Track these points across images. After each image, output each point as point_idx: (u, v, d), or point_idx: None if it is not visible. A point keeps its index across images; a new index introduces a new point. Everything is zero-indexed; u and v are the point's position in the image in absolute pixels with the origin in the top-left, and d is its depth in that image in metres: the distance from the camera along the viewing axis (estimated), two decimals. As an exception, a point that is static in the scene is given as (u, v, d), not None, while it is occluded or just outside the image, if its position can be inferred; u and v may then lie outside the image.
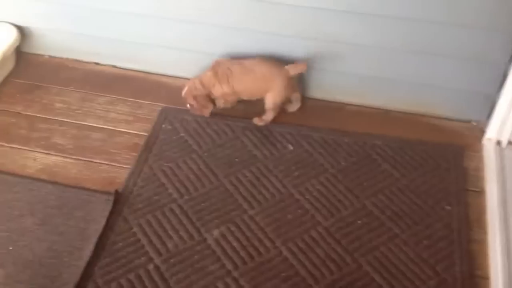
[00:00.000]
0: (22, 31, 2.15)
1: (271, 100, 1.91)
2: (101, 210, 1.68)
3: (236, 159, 1.84)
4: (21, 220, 1.64)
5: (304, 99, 2.04)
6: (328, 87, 2.05)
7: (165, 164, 1.82)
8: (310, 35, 1.89)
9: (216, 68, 1.92)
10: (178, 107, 2.01)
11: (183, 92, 1.94)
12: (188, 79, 1.98)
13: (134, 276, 1.51)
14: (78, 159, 1.84)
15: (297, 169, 1.81)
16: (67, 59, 2.21)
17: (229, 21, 1.93)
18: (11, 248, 1.58)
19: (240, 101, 2.01)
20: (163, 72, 2.15)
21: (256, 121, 1.95)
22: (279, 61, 1.92)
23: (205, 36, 2.01)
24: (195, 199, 1.72)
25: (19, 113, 1.99)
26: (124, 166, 1.82)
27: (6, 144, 1.87)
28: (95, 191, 1.74)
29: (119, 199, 1.71)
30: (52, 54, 2.22)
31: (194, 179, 1.78)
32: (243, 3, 1.86)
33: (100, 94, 2.07)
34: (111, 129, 1.95)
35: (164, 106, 2.02)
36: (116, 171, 1.81)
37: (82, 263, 1.53)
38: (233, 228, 1.63)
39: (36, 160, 1.83)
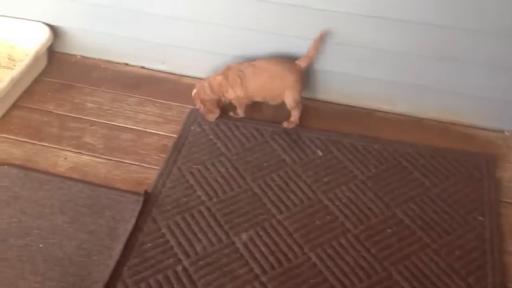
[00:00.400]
0: (55, 31, 2.18)
1: (290, 98, 1.90)
2: (131, 210, 1.69)
3: (265, 163, 1.83)
4: (51, 218, 1.66)
5: (333, 104, 2.03)
6: (356, 93, 2.04)
7: (193, 166, 1.83)
8: (341, 40, 1.88)
9: (226, 72, 1.92)
10: (207, 109, 2.02)
11: (193, 93, 1.95)
12: None
13: (163, 277, 1.51)
14: (108, 159, 1.85)
15: (326, 175, 1.80)
16: (98, 59, 2.24)
17: (262, 26, 1.93)
18: (41, 245, 1.59)
19: (269, 106, 2.01)
20: (193, 74, 2.16)
21: (286, 124, 1.95)
22: (287, 57, 1.93)
23: (236, 40, 2.01)
24: (223, 202, 1.72)
25: (51, 112, 2.01)
26: (153, 167, 1.83)
27: (38, 142, 1.89)
28: (124, 191, 1.75)
29: (148, 200, 1.71)
30: (84, 54, 2.25)
31: (223, 182, 1.78)
32: (279, 9, 1.86)
33: (130, 94, 2.08)
34: (140, 130, 1.96)
35: (193, 108, 2.02)
36: (145, 171, 1.82)
37: (111, 263, 1.54)
38: (261, 233, 1.63)
39: (67, 159, 1.84)
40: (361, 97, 2.05)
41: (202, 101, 1.93)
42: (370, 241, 1.60)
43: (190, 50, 2.09)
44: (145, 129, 1.96)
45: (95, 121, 1.98)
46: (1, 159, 1.82)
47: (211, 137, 1.92)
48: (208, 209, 1.70)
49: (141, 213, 1.68)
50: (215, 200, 1.72)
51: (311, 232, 1.63)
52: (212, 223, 1.66)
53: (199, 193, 1.74)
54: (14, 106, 2.01)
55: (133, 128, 1.96)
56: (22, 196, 1.71)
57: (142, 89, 2.10)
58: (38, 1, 2.14)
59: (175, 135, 1.93)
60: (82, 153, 1.87)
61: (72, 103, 2.04)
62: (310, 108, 2.04)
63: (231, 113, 2.00)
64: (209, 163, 1.84)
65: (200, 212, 1.69)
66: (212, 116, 1.95)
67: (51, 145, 1.89)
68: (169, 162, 1.84)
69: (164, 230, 1.64)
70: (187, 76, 2.16)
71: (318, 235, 1.62)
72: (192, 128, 1.95)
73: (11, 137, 1.91)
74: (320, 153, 1.86)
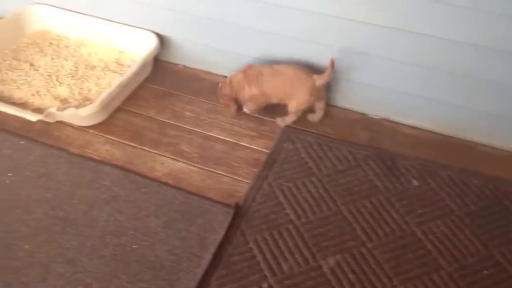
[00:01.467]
0: (162, 40, 2.27)
1: (294, 105, 1.98)
2: (221, 221, 1.72)
3: (356, 188, 1.81)
4: (146, 221, 1.73)
5: (431, 133, 1.97)
6: (456, 123, 1.97)
7: (284, 183, 1.83)
8: (453, 70, 1.83)
9: (247, 70, 2.00)
10: (300, 128, 2.02)
11: (218, 88, 2.07)
12: None
13: (248, 292, 1.53)
14: (202, 168, 1.90)
15: (421, 207, 1.74)
16: (199, 70, 2.31)
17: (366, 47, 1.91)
18: (135, 246, 1.66)
19: (365, 130, 1.99)
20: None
21: (279, 121, 2.04)
22: (308, 68, 1.96)
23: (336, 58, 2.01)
24: (312, 223, 1.71)
25: (151, 117, 2.10)
26: (244, 180, 1.86)
27: (138, 146, 1.98)
28: (216, 201, 1.78)
29: (238, 213, 1.74)
30: (187, 64, 2.33)
31: (312, 203, 1.77)
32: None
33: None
34: (234, 142, 1.99)
35: (287, 125, 2.03)
36: (237, 184, 1.85)
37: (200, 271, 1.58)
38: (349, 259, 1.60)
39: (164, 165, 1.91)
40: (461, 128, 1.97)
41: (222, 96, 2.05)
42: (465, 281, 1.53)
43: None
44: (238, 142, 2.00)
45: (192, 130, 2.05)
46: (104, 158, 1.92)
47: (303, 155, 1.92)
48: (297, 228, 1.69)
49: (230, 225, 1.70)
50: (303, 220, 1.72)
51: (402, 264, 1.58)
52: (300, 243, 1.65)
53: (288, 211, 1.75)
54: (119, 109, 2.12)
55: (227, 140, 2.00)
56: (121, 196, 1.79)
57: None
58: (149, 11, 2.24)
59: (267, 151, 1.95)
60: (178, 160, 1.93)
61: (172, 110, 2.12)
62: (408, 135, 1.99)
63: (245, 109, 2.08)
64: (299, 182, 1.83)
65: (288, 230, 1.69)
66: (230, 110, 2.08)
67: (150, 150, 1.97)
68: (260, 177, 1.85)
69: (251, 245, 1.65)
70: (284, 93, 2.18)
71: (409, 268, 1.57)
72: (284, 145, 1.96)
73: (114, 138, 2.01)
74: (416, 183, 1.81)
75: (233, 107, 2.06)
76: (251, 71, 1.99)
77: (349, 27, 1.85)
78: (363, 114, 2.08)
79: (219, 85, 2.07)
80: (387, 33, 1.80)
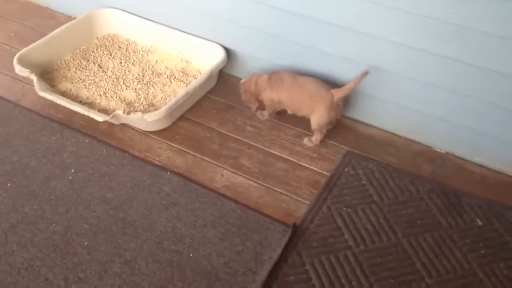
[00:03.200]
0: (228, 53, 2.29)
1: (315, 121, 2.00)
2: (278, 239, 1.70)
3: (418, 221, 1.77)
4: (203, 230, 1.73)
5: (501, 174, 1.93)
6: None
7: (343, 208, 1.81)
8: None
9: (272, 75, 2.06)
10: (363, 154, 2.00)
11: (241, 81, 2.14)
12: (386, 131, 2.08)
13: (303, 315, 1.50)
14: (261, 184, 1.89)
15: (484, 247, 1.69)
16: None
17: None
18: (191, 255, 1.66)
19: (429, 162, 1.96)
20: (356, 117, 2.16)
21: (305, 141, 2.05)
22: (328, 84, 2.00)
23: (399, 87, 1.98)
24: (370, 252, 1.67)
25: (213, 128, 2.11)
26: (303, 200, 1.84)
27: (199, 155, 1.99)
28: (273, 218, 1.77)
29: (295, 233, 1.72)
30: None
31: (372, 231, 1.73)
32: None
33: (288, 125, 2.13)
34: (294, 162, 1.98)
35: (349, 150, 2.02)
36: (295, 204, 1.83)
37: (254, 287, 1.56)
38: (408, 293, 1.56)
39: (223, 177, 1.92)
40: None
41: (244, 91, 2.11)
42: (529, 330, 1.47)
43: (355, 92, 2.07)
44: (298, 162, 1.98)
45: (253, 145, 2.05)
46: (165, 164, 1.94)
47: (364, 182, 1.90)
48: (355, 255, 1.66)
49: (287, 244, 1.69)
50: (362, 247, 1.69)
51: (463, 304, 1.53)
52: (357, 271, 1.62)
53: (346, 237, 1.72)
54: (182, 117, 2.14)
55: (288, 159, 1.99)
56: (180, 204, 1.80)
57: (300, 122, 2.12)
58: (218, 24, 2.27)
59: (327, 173, 1.93)
60: (238, 174, 1.93)
61: (234, 123, 2.13)
62: (474, 173, 1.94)
63: (258, 113, 2.15)
64: (359, 208, 1.81)
65: (346, 257, 1.66)
66: (252, 107, 2.15)
67: (210, 160, 1.97)
68: (320, 199, 1.83)
69: (308, 267, 1.63)
70: (348, 118, 2.17)
71: (470, 309, 1.52)
72: (345, 169, 1.94)
73: (176, 146, 2.03)
74: (480, 223, 1.76)
75: (255, 105, 2.12)
76: (274, 77, 2.05)
77: (417, 57, 1.84)
78: (428, 146, 2.05)
79: (241, 80, 2.14)
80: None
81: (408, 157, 2.00)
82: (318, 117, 1.98)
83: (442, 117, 1.96)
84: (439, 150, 2.04)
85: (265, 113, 2.14)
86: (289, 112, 2.13)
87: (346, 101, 2.11)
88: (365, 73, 1.90)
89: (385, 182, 1.89)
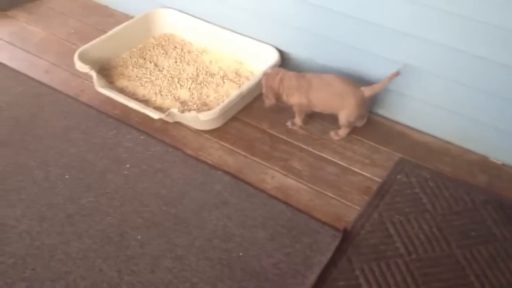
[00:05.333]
0: (282, 56, 2.30)
1: (344, 118, 2.00)
2: (327, 243, 1.70)
3: (473, 232, 1.72)
4: (253, 231, 1.74)
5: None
6: None
7: (395, 215, 1.78)
8: None
9: (299, 79, 2.03)
10: (417, 161, 1.97)
11: (264, 72, 2.10)
12: (440, 139, 2.04)
13: (352, 321, 1.49)
14: (311, 188, 1.89)
15: (542, 263, 1.63)
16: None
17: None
18: (241, 254, 1.67)
19: (484, 173, 1.91)
20: (409, 124, 2.13)
21: (332, 134, 2.08)
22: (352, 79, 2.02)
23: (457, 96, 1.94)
24: (422, 261, 1.64)
25: (264, 130, 2.12)
26: (354, 206, 1.83)
27: (250, 156, 2.01)
28: (323, 222, 1.77)
29: (346, 238, 1.71)
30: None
31: (424, 240, 1.70)
32: None
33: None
34: (345, 167, 1.97)
35: (402, 157, 1.99)
36: (345, 208, 1.82)
37: (304, 290, 1.56)
38: (461, 305, 1.53)
39: (274, 178, 1.92)
40: None
41: (267, 87, 2.05)
42: None
43: (411, 99, 2.05)
44: (350, 167, 1.97)
45: (304, 148, 2.05)
46: (217, 163, 1.97)
47: (417, 190, 1.86)
48: (406, 264, 1.64)
49: (337, 249, 1.68)
50: (414, 256, 1.66)
51: (519, 321, 1.49)
52: (409, 280, 1.59)
53: (397, 244, 1.69)
54: (234, 118, 2.16)
55: (339, 163, 1.98)
56: (230, 203, 1.82)
57: (354, 128, 2.11)
58: (272, 25, 2.28)
59: (379, 180, 1.91)
60: (288, 176, 1.93)
61: (285, 126, 2.13)
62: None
63: (288, 124, 2.12)
64: (412, 216, 1.78)
65: (397, 264, 1.64)
66: (267, 102, 2.09)
67: (261, 161, 1.99)
68: (371, 206, 1.82)
69: (357, 273, 1.62)
70: (401, 124, 2.14)
71: (527, 326, 1.47)
72: (398, 177, 1.92)
73: (227, 145, 2.05)
74: (538, 237, 1.70)
75: (273, 101, 2.08)
76: (302, 80, 2.03)
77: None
78: (483, 156, 2.00)
79: (266, 73, 2.09)
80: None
81: (463, 167, 1.96)
82: (348, 114, 1.99)
83: (498, 127, 1.91)
84: (495, 161, 1.98)
85: (297, 120, 2.11)
86: (317, 111, 2.10)
87: (400, 108, 2.09)
88: (396, 73, 1.92)
89: (438, 191, 1.86)
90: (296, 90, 2.03)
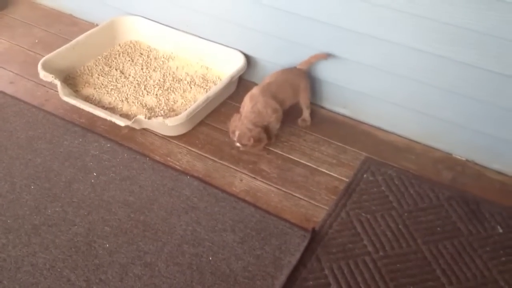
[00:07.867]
0: (248, 60, 2.31)
1: (306, 97, 2.13)
2: (296, 244, 1.71)
3: (438, 228, 1.76)
4: (223, 234, 1.74)
5: None
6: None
7: (363, 214, 1.81)
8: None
9: (264, 91, 2.02)
10: (382, 160, 2.00)
11: (235, 132, 1.98)
12: (405, 137, 2.09)
13: (322, 320, 1.50)
14: (280, 189, 1.90)
15: (505, 255, 1.67)
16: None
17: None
18: (211, 258, 1.67)
19: (448, 169, 1.94)
20: (374, 123, 2.16)
21: (300, 122, 2.16)
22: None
23: (426, 97, 1.98)
24: (390, 258, 1.67)
25: (232, 134, 2.13)
26: (322, 206, 1.85)
27: (218, 160, 2.01)
28: (292, 223, 1.78)
29: (314, 238, 1.72)
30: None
31: (391, 237, 1.73)
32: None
33: (308, 132, 2.14)
34: (313, 168, 1.99)
35: (368, 156, 2.02)
36: (314, 209, 1.84)
37: (274, 292, 1.57)
38: (428, 300, 1.55)
39: (242, 181, 1.93)
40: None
41: (251, 137, 1.95)
42: None
43: (374, 99, 2.09)
44: (318, 168, 1.99)
45: (272, 150, 2.06)
46: (185, 169, 1.96)
47: (383, 188, 1.89)
48: (374, 261, 1.66)
49: (306, 249, 1.69)
50: (381, 253, 1.68)
51: (484, 312, 1.52)
52: (377, 277, 1.62)
53: (365, 242, 1.72)
54: (201, 123, 2.16)
55: (307, 165, 2.00)
56: (199, 208, 1.82)
57: (320, 128, 2.14)
58: (238, 31, 2.29)
59: (346, 179, 1.94)
60: (257, 179, 1.94)
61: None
62: (494, 180, 1.93)
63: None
64: (378, 214, 1.80)
65: (365, 262, 1.66)
66: (259, 148, 2.01)
67: (229, 165, 1.99)
68: (338, 205, 1.84)
69: (326, 272, 1.63)
70: (366, 124, 2.17)
71: (492, 317, 1.51)
72: (364, 176, 1.94)
73: (195, 150, 2.05)
74: (501, 230, 1.74)
75: (264, 142, 1.98)
76: (267, 88, 2.04)
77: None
78: (447, 153, 2.04)
79: (232, 133, 2.00)
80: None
81: (428, 164, 2.00)
82: (307, 93, 2.12)
83: (462, 124, 1.95)
84: (459, 157, 2.03)
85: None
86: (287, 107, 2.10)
87: (364, 108, 2.13)
88: (324, 56, 2.06)
89: (404, 188, 1.89)
90: (270, 106, 1.99)
